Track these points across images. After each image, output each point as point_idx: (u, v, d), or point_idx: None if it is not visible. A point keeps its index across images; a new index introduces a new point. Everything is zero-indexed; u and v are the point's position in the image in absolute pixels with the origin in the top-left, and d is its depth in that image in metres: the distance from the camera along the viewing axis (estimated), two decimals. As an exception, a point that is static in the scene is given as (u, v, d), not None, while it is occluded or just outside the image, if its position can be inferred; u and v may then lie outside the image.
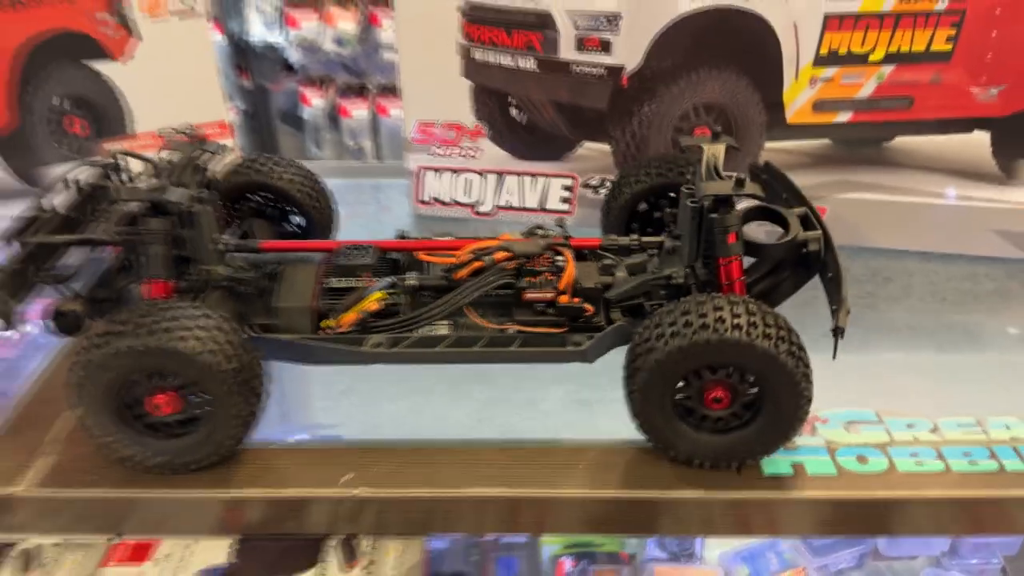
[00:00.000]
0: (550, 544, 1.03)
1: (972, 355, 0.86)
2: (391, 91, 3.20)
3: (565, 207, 1.11)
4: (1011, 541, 1.05)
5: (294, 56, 2.96)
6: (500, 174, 1.11)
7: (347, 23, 3.00)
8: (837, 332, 0.67)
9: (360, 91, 3.16)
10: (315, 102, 3.11)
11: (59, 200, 0.81)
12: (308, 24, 2.93)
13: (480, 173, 1.11)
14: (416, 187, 1.14)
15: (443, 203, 1.14)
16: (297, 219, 0.93)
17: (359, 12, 3.03)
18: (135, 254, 0.76)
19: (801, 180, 0.97)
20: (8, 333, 0.77)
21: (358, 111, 3.14)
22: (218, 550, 0.74)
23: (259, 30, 2.96)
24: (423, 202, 1.14)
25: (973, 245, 1.01)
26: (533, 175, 1.11)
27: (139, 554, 0.74)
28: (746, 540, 1.00)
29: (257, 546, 0.74)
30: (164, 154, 0.81)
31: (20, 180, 0.99)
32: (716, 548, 1.05)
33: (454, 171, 1.12)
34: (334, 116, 3.22)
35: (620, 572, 0.98)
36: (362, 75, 3.19)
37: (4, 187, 0.98)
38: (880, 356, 0.86)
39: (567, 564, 1.00)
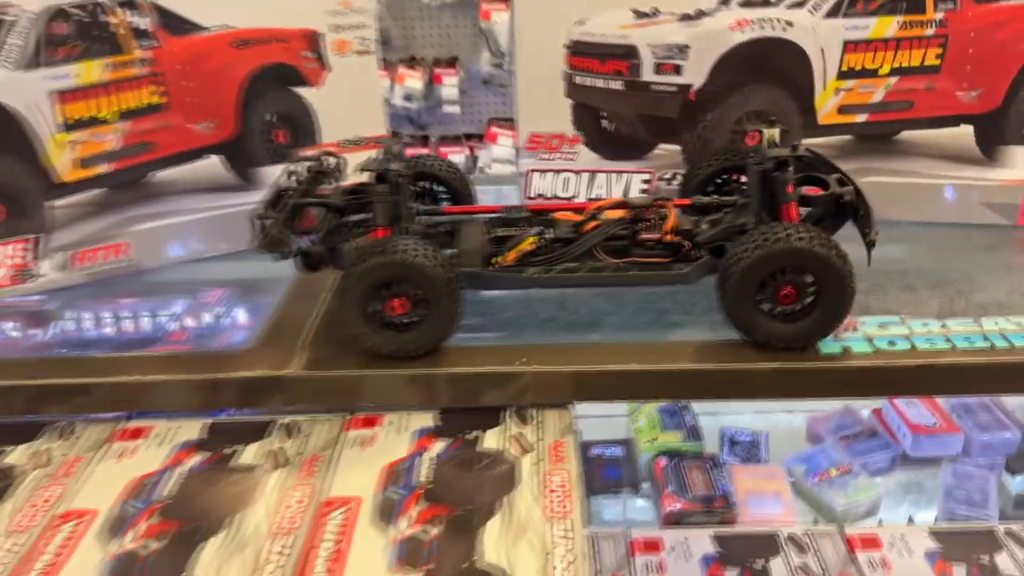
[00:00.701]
0: (646, 451, 1.29)
1: (967, 284, 1.15)
2: (450, 140, 3.57)
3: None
4: (1011, 441, 1.30)
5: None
6: (593, 172, 1.42)
7: (414, 81, 3.38)
8: (870, 245, 0.96)
9: (424, 141, 3.53)
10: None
11: (283, 182, 1.13)
12: (381, 83, 3.31)
13: (577, 172, 1.42)
14: (525, 185, 1.44)
15: (546, 198, 1.44)
16: (446, 199, 1.24)
17: (424, 71, 3.42)
18: (358, 212, 1.07)
19: None
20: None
21: (420, 157, 3.49)
22: (427, 419, 1.02)
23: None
24: (530, 198, 1.45)
25: (965, 214, 1.30)
26: (619, 172, 1.41)
27: (370, 422, 1.02)
28: (803, 446, 1.24)
29: (455, 415, 1.02)
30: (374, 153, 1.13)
31: (238, 177, 1.30)
32: (777, 452, 1.31)
33: (556, 171, 1.43)
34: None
35: (705, 466, 1.24)
36: (425, 127, 3.56)
37: (226, 182, 1.30)
38: (900, 284, 1.14)
39: (663, 461, 1.26)
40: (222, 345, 1.09)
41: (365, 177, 1.28)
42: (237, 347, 1.07)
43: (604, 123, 1.39)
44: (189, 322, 1.16)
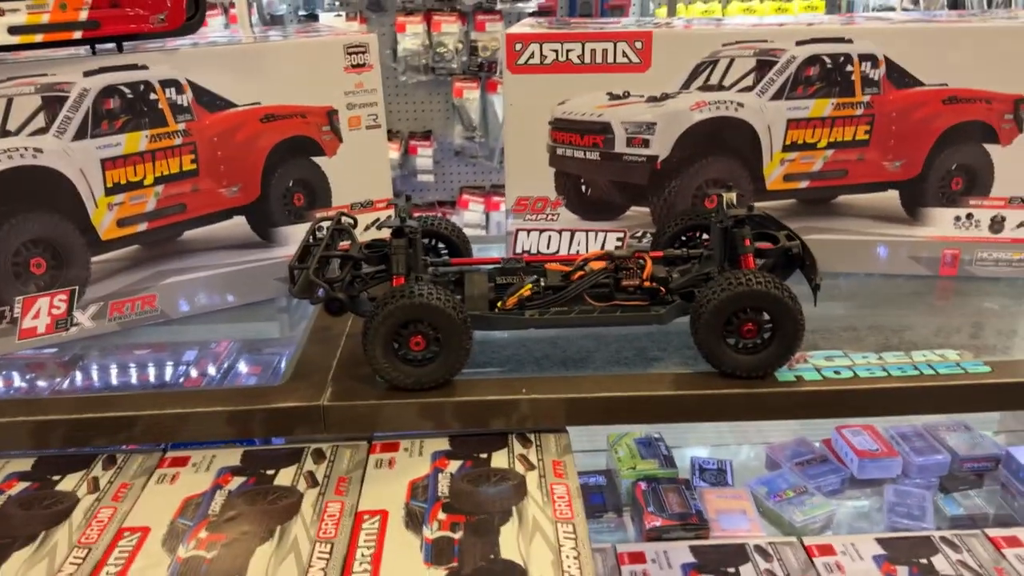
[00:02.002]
0: (627, 478, 1.44)
1: (898, 324, 1.34)
2: (423, 206, 3.76)
3: (619, 253, 1.59)
4: (943, 463, 1.48)
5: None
6: (572, 231, 1.60)
7: (391, 153, 3.59)
8: (815, 288, 1.15)
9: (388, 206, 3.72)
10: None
11: (310, 240, 1.28)
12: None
13: (559, 232, 1.60)
14: (512, 243, 1.62)
15: (531, 254, 1.61)
16: (446, 254, 1.41)
17: (401, 143, 3.63)
18: (374, 265, 1.23)
19: None
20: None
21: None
22: (440, 444, 1.16)
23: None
24: (517, 254, 1.62)
25: (894, 267, 1.51)
26: (596, 231, 1.59)
27: (390, 447, 1.16)
28: (763, 472, 1.41)
29: (465, 440, 1.16)
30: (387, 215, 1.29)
31: (259, 235, 1.45)
32: (741, 477, 1.47)
33: (540, 230, 1.60)
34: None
35: (680, 489, 1.39)
36: (399, 195, 3.76)
37: (247, 240, 1.44)
38: (842, 326, 1.33)
39: (643, 485, 1.40)
40: (258, 383, 1.22)
41: (375, 234, 1.44)
42: (268, 384, 1.20)
43: (582, 188, 1.57)
44: (227, 365, 1.29)
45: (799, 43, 1.41)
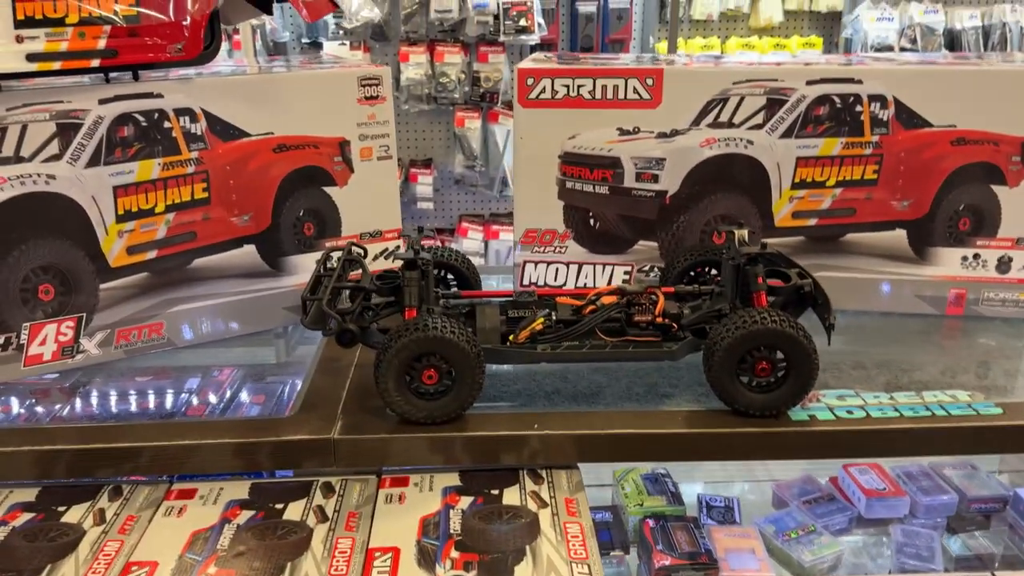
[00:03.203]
0: (634, 515, 1.42)
1: (908, 364, 1.34)
2: (428, 238, 3.76)
3: (627, 286, 1.59)
4: (950, 504, 1.48)
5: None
6: (580, 264, 1.60)
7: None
8: (829, 328, 1.15)
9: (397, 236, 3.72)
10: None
11: (321, 270, 1.27)
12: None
13: (566, 264, 1.60)
14: (520, 276, 1.62)
15: (539, 287, 1.61)
16: (455, 284, 1.40)
17: (401, 170, 3.63)
18: (384, 297, 1.22)
19: None
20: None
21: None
22: (451, 479, 1.15)
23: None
24: (524, 286, 1.61)
25: (902, 305, 1.52)
26: (603, 264, 1.60)
27: (400, 482, 1.14)
28: (770, 510, 1.40)
29: (475, 476, 1.15)
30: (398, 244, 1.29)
31: (268, 264, 1.45)
32: (748, 515, 1.45)
33: (548, 263, 1.60)
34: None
35: (688, 527, 1.38)
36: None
37: (257, 268, 1.44)
38: (852, 364, 1.33)
39: (651, 523, 1.39)
40: (268, 414, 1.21)
41: (386, 264, 1.43)
42: (277, 415, 1.19)
43: (591, 222, 1.58)
44: (236, 395, 1.28)
45: (809, 83, 1.43)
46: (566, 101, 1.49)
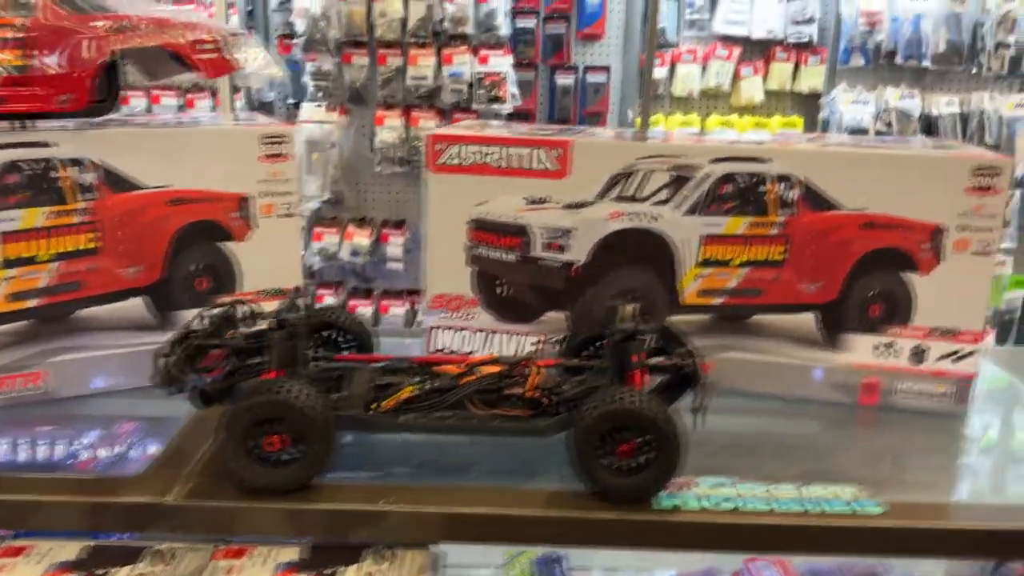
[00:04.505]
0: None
1: (801, 453, 1.28)
2: (392, 294, 3.76)
3: (533, 358, 1.55)
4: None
5: (315, 263, 3.56)
6: (488, 332, 1.56)
7: (362, 239, 3.62)
8: (693, 411, 1.10)
9: (367, 294, 3.72)
10: (327, 300, 3.65)
11: (195, 325, 1.25)
12: (330, 239, 3.56)
13: (475, 331, 1.56)
14: (429, 340, 1.58)
15: (446, 354, 1.58)
16: (346, 347, 1.37)
17: (373, 230, 3.66)
18: (258, 356, 1.19)
19: (695, 342, 1.45)
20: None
21: (363, 309, 3.68)
22: (294, 553, 1.10)
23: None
24: (434, 352, 1.58)
25: (813, 392, 1.46)
26: (511, 333, 1.56)
27: (238, 553, 1.09)
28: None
29: (324, 550, 1.10)
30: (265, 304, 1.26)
31: (158, 318, 1.43)
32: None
33: (456, 329, 1.57)
34: (340, 312, 3.77)
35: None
36: (369, 280, 3.78)
37: (147, 323, 1.42)
38: (742, 450, 1.27)
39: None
40: (119, 472, 1.17)
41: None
42: (128, 474, 1.15)
43: (500, 289, 1.55)
44: (102, 451, 1.24)
45: (714, 160, 1.41)
46: (475, 168, 1.48)
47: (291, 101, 3.56)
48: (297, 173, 1.39)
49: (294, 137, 1.45)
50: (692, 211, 1.43)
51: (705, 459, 1.17)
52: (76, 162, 1.30)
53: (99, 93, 1.31)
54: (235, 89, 3.46)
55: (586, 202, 1.46)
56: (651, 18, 3.17)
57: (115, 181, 1.34)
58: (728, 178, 1.41)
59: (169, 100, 3.50)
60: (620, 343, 1.19)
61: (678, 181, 1.43)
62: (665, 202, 1.44)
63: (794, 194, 1.40)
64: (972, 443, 1.39)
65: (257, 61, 1.33)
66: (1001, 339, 3.86)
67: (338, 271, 3.77)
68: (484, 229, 1.51)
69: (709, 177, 1.41)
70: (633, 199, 1.44)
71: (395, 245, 3.67)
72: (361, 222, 3.72)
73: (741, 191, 1.41)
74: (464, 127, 1.56)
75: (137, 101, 3.54)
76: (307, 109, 3.42)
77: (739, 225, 1.42)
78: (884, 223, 1.39)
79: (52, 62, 1.19)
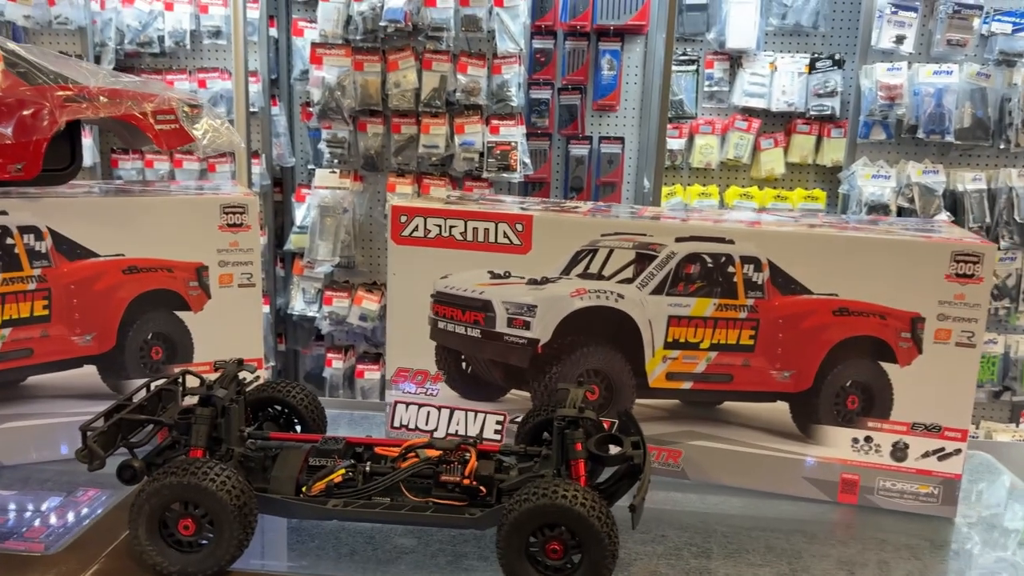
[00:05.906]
0: None
1: (759, 556, 1.18)
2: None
3: (497, 437, 1.49)
4: None
5: (325, 327, 3.55)
6: (452, 410, 1.51)
7: (371, 304, 3.61)
8: (631, 508, 1.02)
9: (376, 358, 3.69)
10: (336, 364, 3.63)
11: (138, 397, 1.22)
12: (340, 303, 3.55)
13: (438, 408, 1.51)
14: (391, 416, 1.53)
15: (409, 429, 1.52)
16: (298, 426, 1.33)
17: (382, 296, 3.64)
18: (186, 433, 1.15)
19: (661, 428, 1.38)
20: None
21: (371, 375, 3.64)
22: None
23: (300, 305, 3.59)
24: (395, 427, 1.53)
25: (787, 486, 1.36)
26: (475, 411, 1.50)
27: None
28: None
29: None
30: (214, 375, 1.23)
31: (110, 388, 1.40)
32: None
33: (419, 405, 1.52)
34: (350, 376, 3.73)
35: None
36: (379, 345, 3.74)
37: (98, 391, 1.40)
38: (697, 551, 1.18)
39: None
40: (31, 549, 1.13)
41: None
42: (38, 552, 1.11)
43: (463, 365, 1.50)
44: (25, 524, 1.21)
45: (679, 240, 1.36)
46: (438, 240, 1.45)
47: (311, 166, 3.62)
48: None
49: (253, 208, 1.44)
50: (658, 291, 1.37)
51: (651, 561, 1.09)
52: (30, 229, 1.31)
53: (58, 161, 1.32)
54: (255, 154, 3.53)
55: (549, 278, 1.42)
56: (664, 87, 3.16)
57: (68, 249, 1.34)
58: (694, 258, 1.35)
59: (191, 164, 3.59)
60: (564, 430, 1.12)
61: (642, 259, 1.37)
62: (630, 280, 1.38)
63: (762, 276, 1.34)
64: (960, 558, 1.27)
65: (216, 132, 1.33)
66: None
67: (348, 335, 3.75)
68: (447, 303, 1.47)
69: (674, 256, 1.36)
70: (599, 276, 1.39)
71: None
72: (371, 287, 3.71)
73: (708, 271, 1.35)
74: (425, 200, 1.54)
75: (161, 165, 3.64)
76: (321, 175, 3.47)
77: (706, 306, 1.36)
78: (858, 310, 1.32)
79: (4, 131, 1.20)
